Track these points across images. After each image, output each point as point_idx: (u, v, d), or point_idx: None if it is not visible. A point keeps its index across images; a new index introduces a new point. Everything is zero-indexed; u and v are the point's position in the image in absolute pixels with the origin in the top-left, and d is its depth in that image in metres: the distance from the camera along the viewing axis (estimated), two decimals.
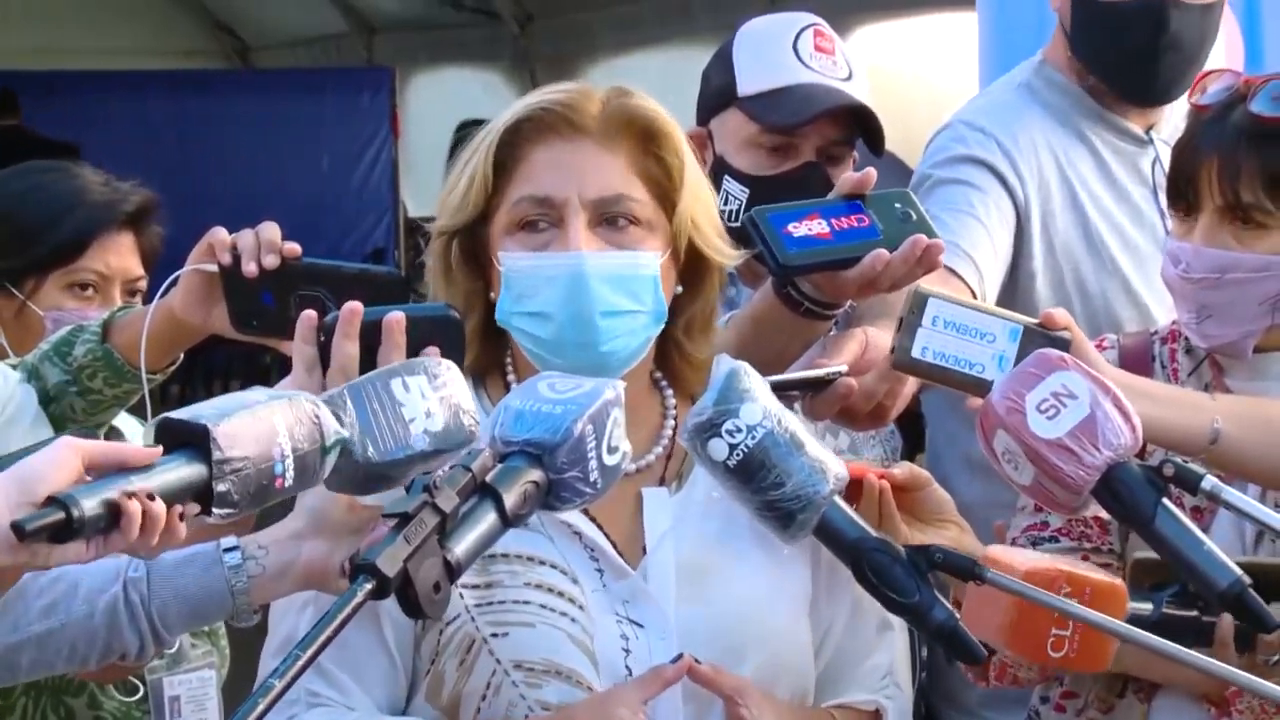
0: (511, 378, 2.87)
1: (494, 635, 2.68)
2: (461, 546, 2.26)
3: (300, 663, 2.10)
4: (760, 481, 2.45)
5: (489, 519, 2.30)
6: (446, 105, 14.57)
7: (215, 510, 2.22)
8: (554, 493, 2.37)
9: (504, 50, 14.37)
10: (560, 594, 2.71)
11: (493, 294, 2.82)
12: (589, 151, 2.79)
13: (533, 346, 2.79)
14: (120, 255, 3.58)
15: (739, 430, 2.45)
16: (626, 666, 2.71)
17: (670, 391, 2.90)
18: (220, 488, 2.20)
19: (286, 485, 2.27)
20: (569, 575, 2.73)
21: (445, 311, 2.75)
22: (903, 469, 2.89)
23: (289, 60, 17.15)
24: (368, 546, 2.48)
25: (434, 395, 2.41)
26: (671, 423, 2.87)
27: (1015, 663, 3.07)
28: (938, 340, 2.82)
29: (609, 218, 2.78)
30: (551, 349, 2.77)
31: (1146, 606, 2.88)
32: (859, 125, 3.59)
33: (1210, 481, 2.45)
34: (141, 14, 16.57)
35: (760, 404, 2.47)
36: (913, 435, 3.87)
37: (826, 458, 2.48)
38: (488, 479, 2.31)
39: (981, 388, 2.81)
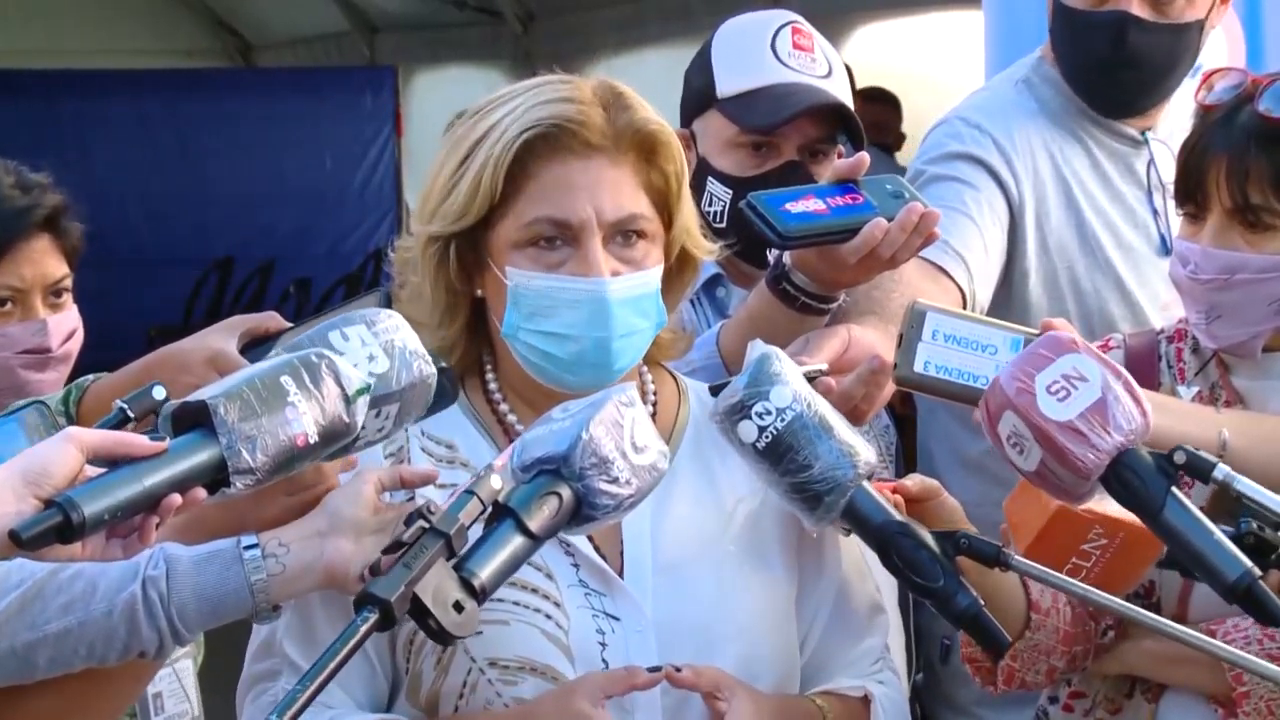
0: (491, 378, 2.88)
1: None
2: (486, 567, 2.28)
3: (302, 699, 2.12)
4: (789, 464, 2.50)
5: (512, 537, 2.32)
6: (448, 104, 14.52)
7: (235, 480, 2.24)
8: (585, 500, 2.38)
9: (506, 49, 14.35)
10: (534, 590, 2.72)
11: (480, 292, 2.82)
12: (602, 169, 2.77)
13: (542, 363, 2.79)
14: (35, 262, 3.48)
15: (768, 413, 2.50)
16: (603, 660, 2.72)
17: (645, 368, 2.92)
18: (235, 457, 2.22)
19: (312, 441, 2.29)
20: (543, 571, 2.74)
21: None
22: (914, 481, 2.89)
23: (291, 59, 17.13)
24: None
25: (375, 341, 2.45)
26: (653, 396, 2.89)
27: (1023, 668, 3.06)
28: (939, 354, 2.83)
29: (623, 234, 2.79)
30: (565, 368, 2.78)
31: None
32: (840, 122, 3.58)
33: (1223, 470, 2.44)
34: (143, 13, 16.56)
35: (791, 387, 2.51)
36: (911, 437, 3.86)
37: (856, 442, 2.52)
38: (500, 499, 2.33)
39: None
